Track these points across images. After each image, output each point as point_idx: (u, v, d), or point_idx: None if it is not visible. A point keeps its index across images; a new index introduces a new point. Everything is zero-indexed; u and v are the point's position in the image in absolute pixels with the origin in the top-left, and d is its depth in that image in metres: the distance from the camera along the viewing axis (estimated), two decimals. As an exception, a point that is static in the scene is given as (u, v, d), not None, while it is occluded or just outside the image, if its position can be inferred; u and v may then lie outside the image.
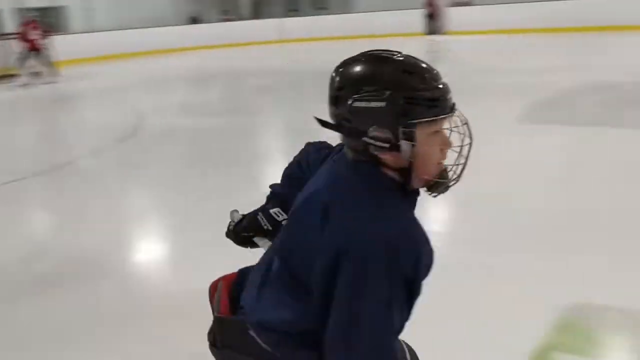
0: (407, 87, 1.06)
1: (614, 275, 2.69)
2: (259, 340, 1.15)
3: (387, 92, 1.05)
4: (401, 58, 1.11)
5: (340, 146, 1.25)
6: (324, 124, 1.15)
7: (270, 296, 1.17)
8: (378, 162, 1.11)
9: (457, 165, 1.13)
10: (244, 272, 1.35)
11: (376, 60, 1.12)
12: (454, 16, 16.79)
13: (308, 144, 1.52)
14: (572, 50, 11.92)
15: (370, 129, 1.07)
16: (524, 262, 2.88)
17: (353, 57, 1.15)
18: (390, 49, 1.15)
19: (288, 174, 1.51)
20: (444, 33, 16.15)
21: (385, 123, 1.06)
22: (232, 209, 1.60)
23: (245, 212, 1.57)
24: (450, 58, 13.20)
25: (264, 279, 1.20)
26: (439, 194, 1.16)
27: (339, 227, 1.05)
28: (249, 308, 1.19)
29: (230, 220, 1.59)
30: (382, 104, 1.06)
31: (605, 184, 3.94)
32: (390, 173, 1.12)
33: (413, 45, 15.18)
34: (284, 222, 1.42)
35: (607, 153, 4.65)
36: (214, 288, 1.33)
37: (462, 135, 1.14)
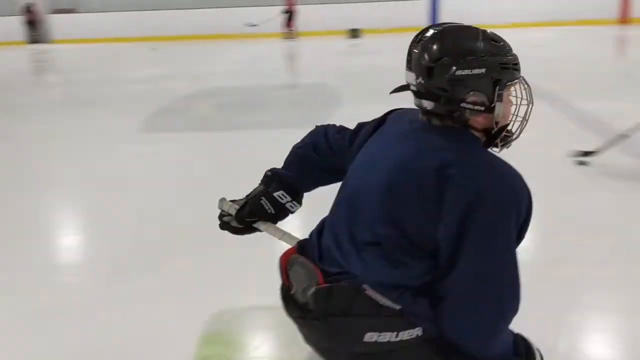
0: (500, 54, 1.22)
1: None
2: (377, 298, 1.16)
3: (485, 60, 1.19)
4: (479, 29, 1.24)
5: (379, 120, 1.43)
6: (418, 94, 1.24)
7: (379, 259, 1.20)
8: (467, 125, 1.24)
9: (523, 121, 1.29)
10: (303, 246, 1.35)
11: (462, 32, 1.24)
12: (57, 23, 15.66)
13: (317, 127, 1.57)
14: (179, 58, 12.28)
15: (470, 94, 1.20)
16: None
17: (432, 32, 1.24)
18: (449, 22, 1.30)
19: (301, 157, 1.53)
20: (50, 42, 14.90)
21: (483, 88, 1.20)
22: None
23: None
24: (58, 68, 12.21)
25: (357, 246, 1.22)
26: (507, 148, 1.30)
27: (465, 183, 1.13)
28: (359, 272, 1.19)
29: (221, 210, 1.57)
30: (482, 70, 1.19)
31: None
32: (477, 134, 1.26)
33: (14, 54, 13.54)
34: (287, 205, 1.50)
35: (232, 155, 4.66)
36: (283, 264, 1.31)
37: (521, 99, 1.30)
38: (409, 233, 1.19)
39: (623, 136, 3.91)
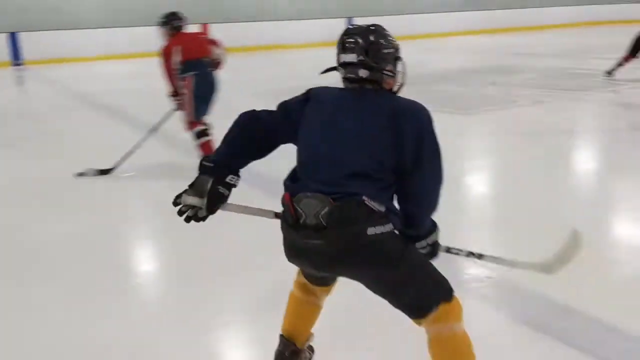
0: (396, 41, 1.86)
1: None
2: (372, 205, 1.60)
3: (394, 44, 1.83)
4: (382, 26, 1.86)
5: (330, 90, 1.85)
6: (358, 66, 1.76)
7: (366, 180, 1.65)
8: (382, 87, 1.81)
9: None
10: (294, 193, 1.66)
11: (380, 27, 1.83)
12: None
13: (246, 113, 1.86)
14: None
15: (388, 66, 1.79)
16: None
17: (364, 27, 1.81)
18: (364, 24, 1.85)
19: (239, 139, 1.84)
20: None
21: (393, 61, 1.82)
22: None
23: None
24: None
25: (349, 177, 1.65)
26: None
27: (410, 117, 1.70)
28: (355, 191, 1.62)
29: (184, 206, 1.78)
30: (393, 49, 1.82)
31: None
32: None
33: None
34: (235, 183, 1.82)
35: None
36: (288, 204, 1.64)
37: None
38: (384, 161, 1.68)
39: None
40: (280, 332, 2.02)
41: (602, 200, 4.01)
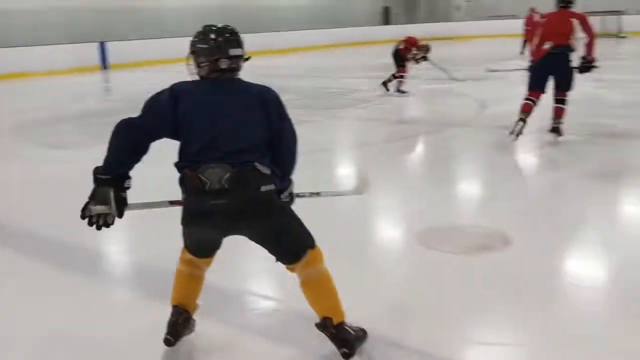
0: None
1: None
2: (261, 168, 2.07)
3: (243, 42, 2.24)
4: None
5: (193, 83, 2.21)
6: (238, 60, 2.22)
7: (252, 150, 2.09)
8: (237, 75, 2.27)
9: None
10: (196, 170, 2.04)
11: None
12: None
13: (124, 123, 2.10)
14: None
15: (243, 58, 2.25)
16: None
17: (228, 27, 2.23)
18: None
19: (125, 151, 2.09)
20: None
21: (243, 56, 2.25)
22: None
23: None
24: None
25: (239, 151, 2.06)
26: None
27: (270, 98, 2.19)
28: (247, 159, 2.05)
29: (94, 215, 2.07)
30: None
31: None
32: None
33: None
34: (130, 186, 2.13)
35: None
36: (193, 176, 2.01)
37: None
38: (262, 135, 2.13)
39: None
40: (173, 304, 2.32)
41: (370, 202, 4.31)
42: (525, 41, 15.39)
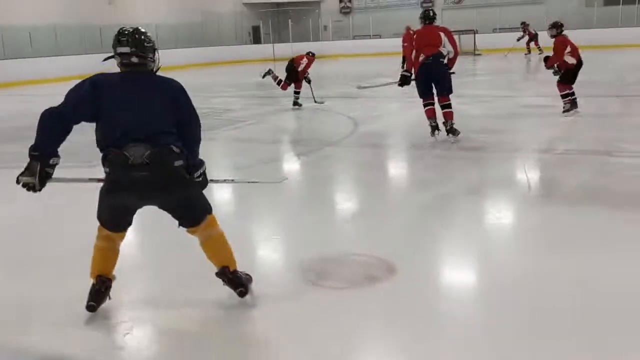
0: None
1: None
2: (174, 149, 2.55)
3: (153, 39, 2.69)
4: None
5: (111, 75, 2.64)
6: (130, 55, 2.61)
7: (166, 134, 2.56)
8: (146, 69, 2.68)
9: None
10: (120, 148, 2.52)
11: (141, 28, 2.69)
12: None
13: (48, 112, 2.57)
14: None
15: (150, 55, 2.65)
16: None
17: (131, 29, 2.66)
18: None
19: (53, 134, 2.57)
20: None
21: (152, 51, 2.67)
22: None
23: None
24: None
25: (155, 134, 2.53)
26: None
27: (178, 91, 2.66)
28: (163, 142, 2.53)
29: (23, 184, 2.55)
30: (152, 43, 2.67)
31: None
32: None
33: None
34: (58, 163, 2.60)
35: None
36: (118, 153, 2.49)
37: None
38: (172, 121, 2.61)
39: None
40: (96, 274, 2.73)
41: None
42: (403, 57, 16.33)
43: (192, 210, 2.71)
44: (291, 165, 6.35)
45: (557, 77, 7.94)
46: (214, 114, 9.96)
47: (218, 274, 2.78)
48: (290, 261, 3.44)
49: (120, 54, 2.61)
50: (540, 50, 21.16)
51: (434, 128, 6.49)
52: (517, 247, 3.62)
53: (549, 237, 3.66)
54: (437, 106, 6.54)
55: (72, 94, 2.58)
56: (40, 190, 2.55)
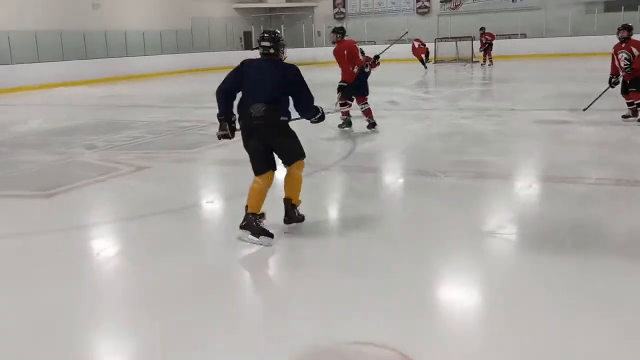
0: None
1: None
2: (280, 115, 3.73)
3: (283, 38, 3.97)
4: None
5: (253, 60, 3.92)
6: (269, 47, 3.87)
7: (277, 100, 3.70)
8: (279, 57, 3.90)
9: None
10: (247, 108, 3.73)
11: (276, 30, 4.03)
12: None
13: (220, 89, 3.83)
14: None
15: (281, 48, 3.88)
16: None
17: (269, 30, 3.97)
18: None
19: (227, 102, 3.80)
20: None
21: (282, 47, 3.90)
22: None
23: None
24: None
25: (266, 103, 3.66)
26: None
27: (291, 73, 3.81)
28: (275, 103, 3.70)
29: (221, 135, 3.83)
30: (283, 41, 3.91)
31: None
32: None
33: None
34: (236, 120, 3.80)
35: None
36: (245, 108, 3.73)
37: None
38: (281, 90, 3.75)
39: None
40: (251, 211, 3.81)
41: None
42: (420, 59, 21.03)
43: (287, 154, 3.89)
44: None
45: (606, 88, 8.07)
46: (197, 128, 9.10)
47: (284, 200, 4.04)
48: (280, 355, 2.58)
49: (263, 47, 3.85)
50: (490, 62, 20.53)
51: (348, 122, 8.13)
52: (557, 323, 2.76)
53: (589, 300, 2.83)
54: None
55: (229, 74, 3.87)
56: (232, 137, 3.86)
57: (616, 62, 7.91)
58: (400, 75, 18.40)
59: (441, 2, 28.18)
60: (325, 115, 4.11)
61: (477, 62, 22.49)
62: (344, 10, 30.47)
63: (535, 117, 8.94)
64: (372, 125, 7.98)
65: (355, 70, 7.50)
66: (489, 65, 20.47)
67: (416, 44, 20.57)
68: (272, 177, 3.84)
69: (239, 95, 3.83)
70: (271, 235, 3.76)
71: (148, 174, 6.16)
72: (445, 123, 8.69)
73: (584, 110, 8.59)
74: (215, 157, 7.05)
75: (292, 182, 3.95)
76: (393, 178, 5.88)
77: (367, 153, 6.89)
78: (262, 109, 3.63)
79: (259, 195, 3.80)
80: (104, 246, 4.10)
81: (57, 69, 18.65)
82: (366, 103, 7.95)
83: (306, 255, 3.79)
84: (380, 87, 14.15)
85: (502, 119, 8.98)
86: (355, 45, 7.66)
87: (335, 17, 30.62)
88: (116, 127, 9.41)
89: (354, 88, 7.77)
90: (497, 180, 5.39)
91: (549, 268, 3.32)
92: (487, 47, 20.60)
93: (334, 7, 30.64)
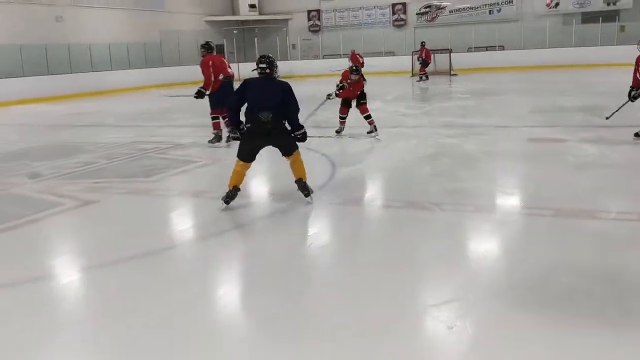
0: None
1: None
2: (284, 123, 4.95)
3: (275, 61, 5.06)
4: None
5: (253, 79, 5.00)
6: (267, 69, 4.95)
7: (278, 112, 4.82)
8: (274, 76, 5.04)
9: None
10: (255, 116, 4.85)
11: (270, 56, 5.13)
12: None
13: (229, 105, 5.00)
14: None
15: (275, 69, 4.99)
16: None
17: (265, 55, 5.08)
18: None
19: (236, 108, 4.92)
20: None
21: (276, 67, 5.02)
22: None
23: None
24: None
25: (271, 111, 4.77)
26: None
27: (285, 89, 4.90)
28: (279, 113, 4.85)
29: (231, 138, 5.16)
30: (275, 63, 5.04)
31: None
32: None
33: None
34: (244, 127, 4.91)
35: None
36: (254, 114, 4.84)
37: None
38: (281, 102, 4.84)
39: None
40: (232, 185, 4.93)
41: None
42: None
43: (287, 147, 5.02)
44: (251, 246, 4.61)
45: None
46: (158, 150, 8.22)
47: (296, 182, 5.06)
48: None
49: (261, 68, 4.93)
50: (425, 77, 20.52)
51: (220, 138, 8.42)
52: None
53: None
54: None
55: (234, 94, 5.07)
56: (239, 139, 4.99)
57: (638, 75, 7.20)
58: (378, 89, 17.78)
59: (417, 14, 27.73)
60: (307, 138, 5.12)
61: (455, 74, 22.01)
62: (318, 23, 29.83)
63: (526, 134, 8.29)
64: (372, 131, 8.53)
65: (221, 77, 8.29)
66: (424, 80, 20.48)
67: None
68: (249, 167, 5.02)
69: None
70: (234, 197, 5.01)
71: (94, 210, 5.28)
72: (431, 142, 7.96)
73: (607, 118, 7.87)
74: (175, 186, 6.19)
75: (297, 165, 5.05)
76: (379, 214, 5.05)
77: (348, 179, 6.09)
78: (270, 116, 4.76)
79: (238, 175, 4.97)
80: (18, 320, 3.21)
81: (16, 85, 17.58)
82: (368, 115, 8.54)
83: (280, 322, 2.97)
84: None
85: (490, 138, 8.30)
86: (217, 60, 8.42)
87: (310, 30, 29.97)
88: (69, 151, 8.47)
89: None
90: (497, 216, 4.65)
91: (573, 341, 2.55)
92: (424, 62, 20.74)
93: (309, 19, 29.98)
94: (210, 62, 8.26)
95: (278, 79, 5.02)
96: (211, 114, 8.40)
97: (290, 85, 4.91)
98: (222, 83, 8.21)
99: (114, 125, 11.92)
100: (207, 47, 8.44)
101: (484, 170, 6.23)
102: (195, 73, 23.71)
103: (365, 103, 8.50)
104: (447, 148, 7.48)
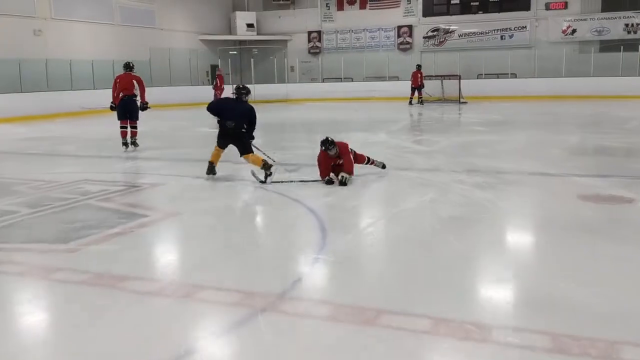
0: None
1: None
2: (243, 127, 7.23)
3: (249, 88, 7.59)
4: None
5: (230, 98, 7.74)
6: (240, 95, 7.35)
7: (239, 124, 7.17)
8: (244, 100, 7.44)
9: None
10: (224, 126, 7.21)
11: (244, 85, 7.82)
12: None
13: (218, 102, 8.63)
14: None
15: (245, 94, 7.36)
16: None
17: (243, 85, 8.23)
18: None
19: (215, 114, 7.26)
20: None
21: (247, 94, 7.39)
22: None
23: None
24: None
25: (234, 121, 7.10)
26: None
27: (250, 110, 7.25)
28: (240, 123, 7.18)
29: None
30: (248, 91, 7.50)
31: None
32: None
33: None
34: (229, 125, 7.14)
35: None
36: (223, 124, 7.17)
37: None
38: (246, 119, 7.21)
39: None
40: (211, 160, 7.29)
41: None
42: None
43: (244, 148, 7.11)
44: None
45: None
46: (103, 195, 6.36)
47: (262, 167, 6.92)
48: None
49: (237, 94, 7.22)
50: (421, 102, 20.31)
51: (126, 144, 10.12)
52: None
53: None
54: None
55: (215, 103, 7.79)
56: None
57: None
58: (382, 116, 16.07)
59: (424, 38, 26.18)
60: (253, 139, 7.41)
61: (465, 102, 20.34)
62: (319, 45, 28.29)
63: (575, 187, 6.41)
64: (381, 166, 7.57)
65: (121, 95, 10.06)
66: (419, 104, 20.09)
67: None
68: (223, 151, 7.27)
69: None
70: (214, 173, 7.30)
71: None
72: (455, 196, 6.07)
73: None
74: (96, 261, 4.25)
75: (251, 161, 7.12)
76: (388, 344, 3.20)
77: (341, 266, 4.19)
78: (232, 124, 6.99)
79: (216, 155, 7.26)
80: None
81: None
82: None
83: None
84: (360, 133, 11.68)
85: (530, 191, 6.48)
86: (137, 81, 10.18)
87: (309, 52, 28.43)
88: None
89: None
90: None
91: None
92: (418, 87, 20.30)
93: (309, 41, 28.45)
94: (118, 80, 10.10)
95: (247, 102, 7.24)
96: (121, 125, 10.21)
97: (255, 108, 7.28)
98: (122, 99, 9.97)
99: (71, 154, 10.14)
100: (128, 67, 10.26)
101: (541, 252, 4.38)
102: (188, 94, 22.18)
103: (356, 154, 7.04)
104: (478, 206, 5.64)
